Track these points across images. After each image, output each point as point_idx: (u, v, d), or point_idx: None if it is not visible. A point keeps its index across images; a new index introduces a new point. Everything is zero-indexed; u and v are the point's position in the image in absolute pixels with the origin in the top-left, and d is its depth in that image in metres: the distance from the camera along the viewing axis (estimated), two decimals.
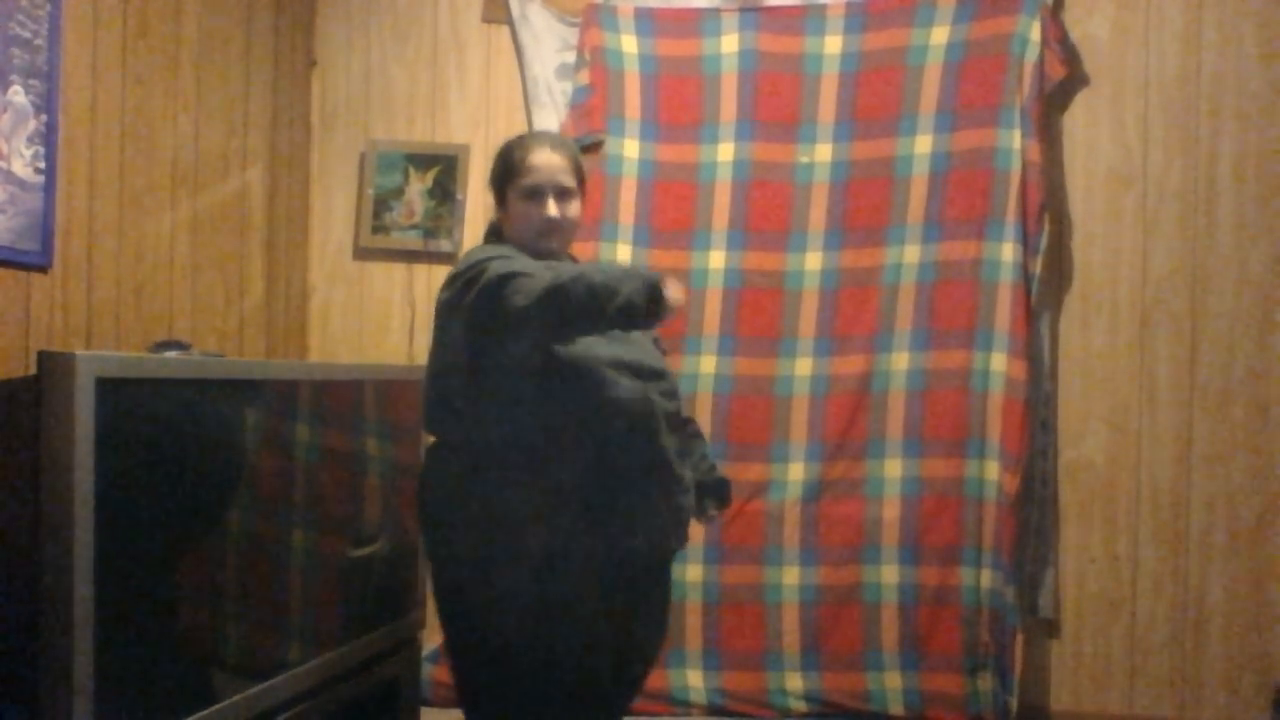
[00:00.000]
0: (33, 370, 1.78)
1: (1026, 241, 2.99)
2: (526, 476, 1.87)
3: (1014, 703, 2.91)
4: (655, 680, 3.09)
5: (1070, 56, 3.05)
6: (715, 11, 3.21)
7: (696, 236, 3.18)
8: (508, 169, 2.04)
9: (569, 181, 2.02)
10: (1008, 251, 2.99)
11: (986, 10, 3.05)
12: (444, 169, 3.36)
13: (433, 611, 3.18)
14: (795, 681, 3.03)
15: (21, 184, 2.11)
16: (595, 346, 1.89)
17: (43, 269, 2.19)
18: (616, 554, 1.91)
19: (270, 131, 3.14)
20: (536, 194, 2.00)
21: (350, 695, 2.44)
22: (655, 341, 2.12)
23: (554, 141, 2.08)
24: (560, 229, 2.02)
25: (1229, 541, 2.98)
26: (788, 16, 3.17)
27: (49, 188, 2.18)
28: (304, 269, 3.39)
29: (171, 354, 2.22)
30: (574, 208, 2.04)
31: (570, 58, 3.29)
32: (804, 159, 3.12)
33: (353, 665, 2.47)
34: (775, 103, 3.15)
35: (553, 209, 1.99)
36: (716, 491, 2.20)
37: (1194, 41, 3.03)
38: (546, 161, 2.01)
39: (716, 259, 3.14)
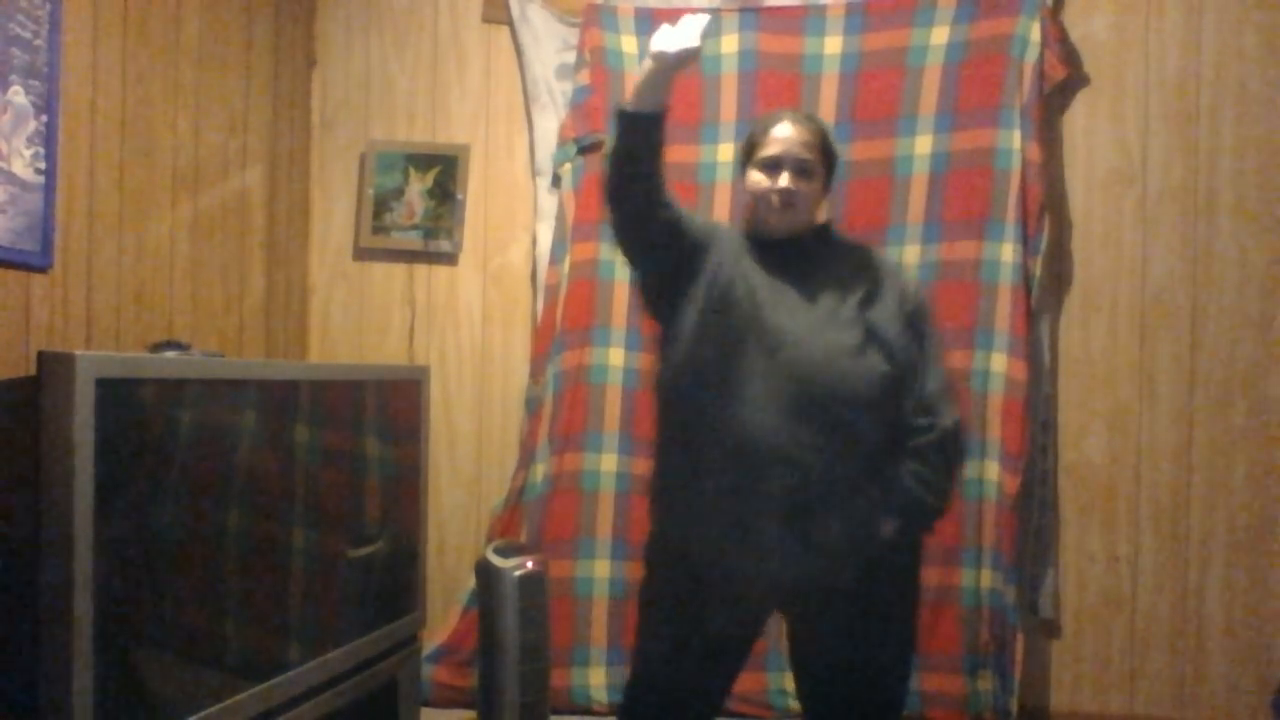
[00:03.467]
0: (33, 370, 1.77)
1: (1026, 242, 2.99)
2: None
3: (1014, 703, 2.91)
4: None
5: (1070, 57, 3.05)
6: (715, 12, 3.21)
7: None
8: (749, 143, 2.02)
9: (808, 155, 1.97)
10: (1008, 252, 2.99)
11: (986, 11, 3.05)
12: (444, 169, 3.36)
13: (433, 612, 3.19)
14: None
15: (21, 184, 2.11)
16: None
17: (43, 269, 2.19)
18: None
19: (270, 131, 3.14)
20: (773, 166, 1.96)
21: (350, 695, 2.44)
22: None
23: (796, 117, 2.03)
24: (792, 203, 1.95)
25: (1229, 541, 2.98)
26: (788, 17, 3.17)
27: (49, 188, 2.18)
28: (304, 269, 3.39)
29: (171, 354, 2.22)
30: (812, 185, 1.97)
31: (570, 58, 3.29)
32: None
33: (353, 665, 2.47)
34: (775, 103, 3.14)
35: (786, 179, 1.94)
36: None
37: (1194, 41, 3.03)
38: (787, 135, 1.97)
39: None
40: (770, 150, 1.97)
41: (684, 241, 1.98)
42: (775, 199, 1.95)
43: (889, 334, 1.90)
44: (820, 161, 1.99)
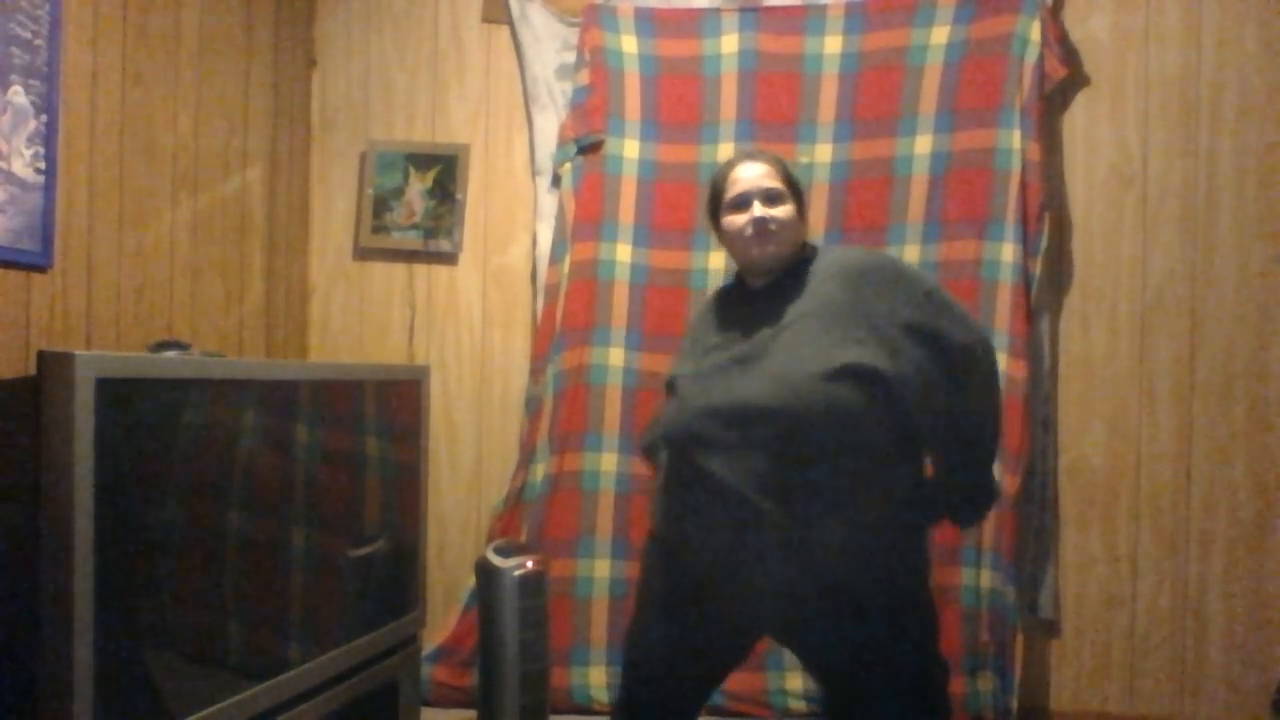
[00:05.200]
0: (33, 370, 1.78)
1: (1026, 242, 2.99)
2: None
3: (1014, 703, 2.91)
4: None
5: (1070, 56, 3.05)
6: (715, 11, 3.21)
7: (697, 237, 3.18)
8: (715, 192, 2.04)
9: (774, 184, 1.98)
10: (1008, 252, 2.99)
11: (986, 10, 3.05)
12: (444, 169, 3.36)
13: (433, 612, 3.20)
14: (795, 681, 3.03)
15: (21, 184, 2.11)
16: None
17: (43, 269, 2.19)
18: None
19: (270, 131, 3.14)
20: (742, 203, 1.98)
21: (350, 695, 2.44)
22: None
23: (750, 153, 2.06)
24: (767, 230, 1.94)
25: (1229, 541, 2.98)
26: (788, 16, 3.17)
27: (49, 188, 2.18)
28: (304, 269, 3.39)
29: (171, 354, 2.22)
30: (785, 209, 1.97)
31: (570, 58, 3.29)
32: (804, 159, 3.12)
33: (353, 665, 2.47)
34: (775, 103, 3.15)
35: (759, 209, 1.95)
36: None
37: (1194, 41, 3.03)
38: (747, 173, 1.99)
39: (717, 259, 3.13)
40: (735, 190, 1.99)
41: None
42: (750, 230, 1.95)
43: (883, 346, 1.81)
44: (787, 188, 1.99)
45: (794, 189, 2.01)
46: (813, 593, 1.80)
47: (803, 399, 1.77)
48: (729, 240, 2.02)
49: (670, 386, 2.00)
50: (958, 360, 1.87)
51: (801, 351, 1.82)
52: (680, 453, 1.87)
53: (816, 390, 1.77)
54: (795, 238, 1.99)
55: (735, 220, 1.98)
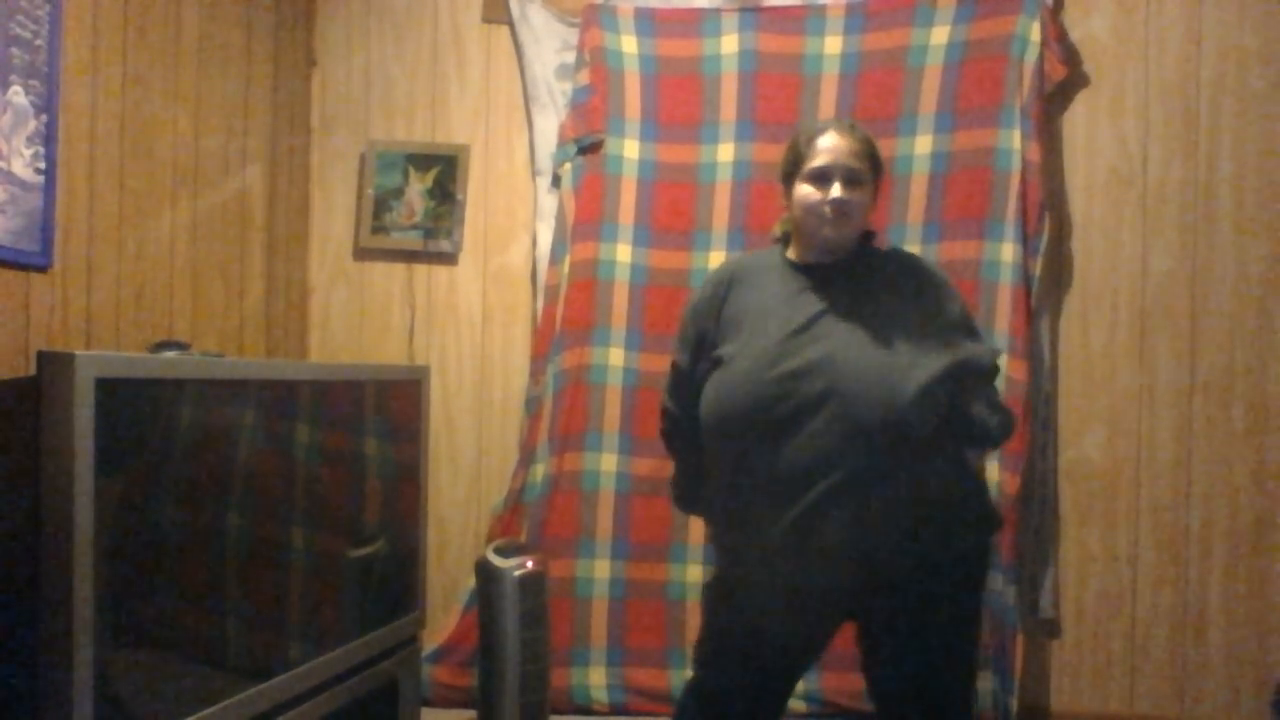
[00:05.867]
0: (33, 370, 1.77)
1: (1026, 242, 2.99)
2: None
3: (1014, 703, 2.91)
4: (657, 680, 3.11)
5: (1070, 56, 3.05)
6: (715, 12, 3.21)
7: (696, 237, 3.18)
8: (795, 155, 1.96)
9: (859, 164, 1.92)
10: (1008, 252, 2.99)
11: (986, 10, 3.05)
12: (444, 169, 3.36)
13: (433, 612, 3.20)
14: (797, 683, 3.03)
15: (21, 184, 2.11)
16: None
17: (43, 269, 2.19)
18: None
19: (270, 131, 3.14)
20: (822, 177, 1.91)
21: (350, 695, 2.44)
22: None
23: (841, 126, 1.97)
24: (844, 214, 1.90)
25: (1229, 541, 2.98)
26: (788, 17, 3.17)
27: (49, 188, 2.18)
28: (304, 269, 3.39)
29: (171, 354, 2.22)
30: (863, 193, 1.92)
31: (570, 58, 3.29)
32: None
33: (353, 665, 2.47)
34: (775, 103, 3.15)
35: (839, 190, 1.89)
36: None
37: (1194, 41, 3.03)
38: (834, 145, 1.92)
39: (717, 259, 3.13)
40: (818, 161, 1.92)
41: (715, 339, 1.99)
42: (828, 210, 1.90)
43: (943, 339, 1.86)
44: (869, 170, 1.94)
45: (876, 168, 1.97)
46: (890, 548, 1.81)
47: (895, 393, 1.78)
48: (800, 210, 1.94)
49: (718, 361, 1.93)
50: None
51: (892, 349, 1.82)
52: (747, 423, 1.84)
53: (907, 395, 1.78)
54: (865, 220, 1.97)
55: (812, 194, 1.91)
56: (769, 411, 1.81)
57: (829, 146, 1.92)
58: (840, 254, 1.95)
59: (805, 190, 1.93)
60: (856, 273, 1.94)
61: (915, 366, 1.80)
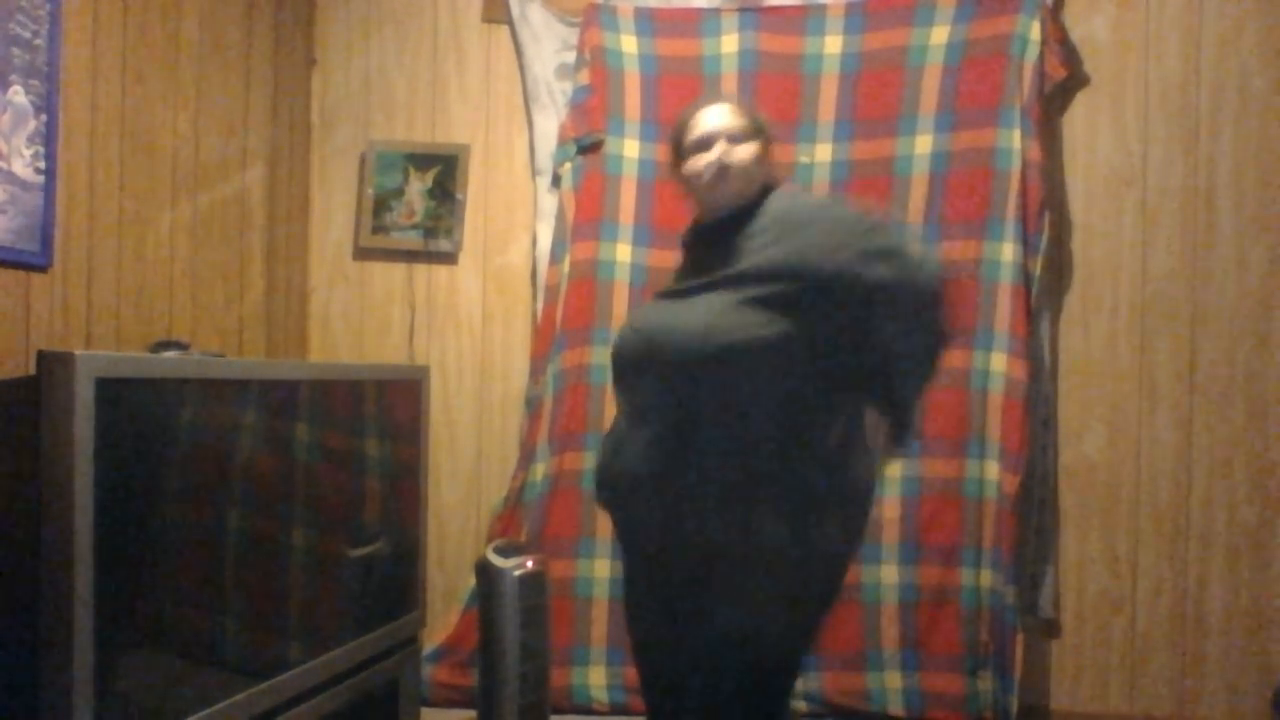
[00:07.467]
0: (33, 370, 1.77)
1: (1026, 241, 2.99)
2: None
3: (1014, 703, 2.90)
4: None
5: (1070, 56, 3.05)
6: (715, 11, 3.21)
7: None
8: (675, 141, 2.00)
9: (738, 123, 1.94)
10: (1008, 251, 2.99)
11: (986, 10, 3.05)
12: (444, 169, 3.36)
13: (433, 612, 3.20)
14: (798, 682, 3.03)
15: (21, 184, 2.11)
16: None
17: (43, 269, 2.19)
18: None
19: (270, 131, 3.14)
20: (703, 144, 1.94)
21: (350, 695, 2.44)
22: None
23: (712, 99, 2.05)
24: (726, 172, 1.91)
25: (1229, 541, 2.98)
26: (788, 16, 3.17)
27: (49, 188, 2.18)
28: (304, 269, 3.39)
29: (171, 354, 2.22)
30: (747, 149, 1.92)
31: (570, 58, 3.29)
32: (804, 159, 3.12)
33: (353, 665, 2.47)
34: (775, 103, 3.14)
35: (717, 151, 1.91)
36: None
37: (1194, 41, 3.03)
38: (711, 113, 1.96)
39: None
40: (696, 133, 1.96)
41: None
42: (707, 173, 1.93)
43: (802, 295, 1.79)
44: (751, 128, 1.95)
45: (759, 128, 1.98)
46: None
47: (722, 351, 1.81)
48: (686, 182, 1.99)
49: None
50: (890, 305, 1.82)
51: (724, 307, 1.83)
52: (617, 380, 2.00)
53: (734, 341, 1.80)
54: (754, 178, 1.95)
55: (695, 163, 1.95)
56: (619, 365, 1.99)
57: (705, 117, 1.97)
58: (723, 212, 1.96)
59: (689, 163, 1.96)
60: (728, 229, 1.94)
61: (763, 327, 1.79)
